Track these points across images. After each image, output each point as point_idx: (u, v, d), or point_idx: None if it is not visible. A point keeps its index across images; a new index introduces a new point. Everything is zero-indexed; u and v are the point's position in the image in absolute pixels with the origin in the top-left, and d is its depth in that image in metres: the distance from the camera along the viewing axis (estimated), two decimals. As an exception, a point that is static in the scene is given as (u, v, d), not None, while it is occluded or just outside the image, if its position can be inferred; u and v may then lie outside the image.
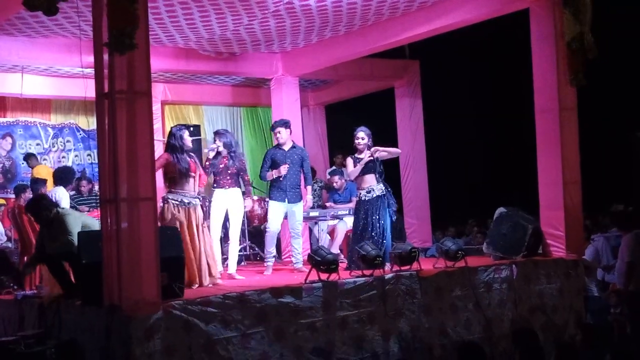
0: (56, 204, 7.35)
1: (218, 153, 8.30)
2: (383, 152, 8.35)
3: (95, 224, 6.88)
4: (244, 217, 10.54)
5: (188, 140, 7.71)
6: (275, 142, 8.98)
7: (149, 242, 5.71)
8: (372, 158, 8.26)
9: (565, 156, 8.16)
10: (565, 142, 8.18)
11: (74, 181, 10.02)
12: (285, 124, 8.86)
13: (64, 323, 6.39)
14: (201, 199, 7.78)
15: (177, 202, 7.41)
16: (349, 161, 8.42)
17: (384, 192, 8.31)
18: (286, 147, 8.81)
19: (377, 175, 8.35)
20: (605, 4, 8.43)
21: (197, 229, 7.46)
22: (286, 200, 8.71)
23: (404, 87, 11.74)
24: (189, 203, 7.47)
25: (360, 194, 8.40)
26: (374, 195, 8.27)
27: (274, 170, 8.69)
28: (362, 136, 8.39)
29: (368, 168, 8.33)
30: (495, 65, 14.38)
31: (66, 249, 6.66)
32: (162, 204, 7.41)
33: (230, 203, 8.37)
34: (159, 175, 7.65)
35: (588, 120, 8.76)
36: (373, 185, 8.31)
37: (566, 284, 8.13)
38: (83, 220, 6.98)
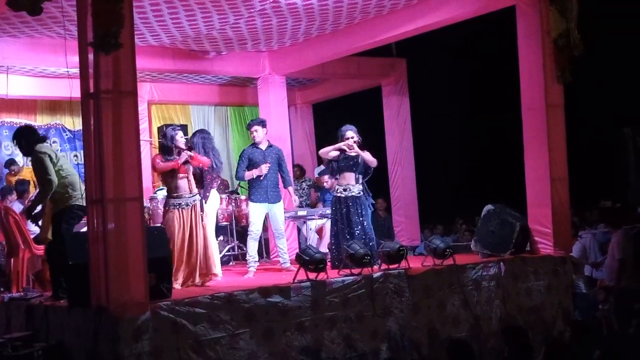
0: (43, 138, 7.47)
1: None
2: (364, 154, 8.31)
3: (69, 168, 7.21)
4: (232, 217, 10.60)
5: (180, 141, 7.68)
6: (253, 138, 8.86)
7: (136, 243, 5.68)
8: (350, 152, 8.22)
9: (552, 153, 8.18)
10: (552, 139, 8.20)
11: None
12: (262, 123, 8.81)
13: (51, 325, 6.35)
14: (198, 196, 7.75)
15: (176, 206, 7.44)
16: (341, 145, 8.38)
17: (361, 194, 8.29)
18: (263, 147, 8.74)
19: (357, 176, 8.33)
20: (592, 1, 8.45)
21: (196, 228, 7.48)
22: (267, 200, 8.65)
23: (391, 86, 11.75)
24: (186, 204, 7.48)
25: (336, 189, 8.38)
26: (350, 195, 8.25)
27: (255, 170, 8.60)
28: (351, 135, 8.37)
29: (348, 166, 8.31)
30: (482, 63, 14.39)
31: (47, 191, 6.93)
32: (160, 209, 7.50)
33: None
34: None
35: (575, 117, 8.79)
36: (351, 185, 8.29)
37: (554, 281, 8.15)
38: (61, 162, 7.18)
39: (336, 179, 8.56)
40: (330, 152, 8.33)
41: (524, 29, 8.29)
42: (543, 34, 8.02)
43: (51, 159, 7.14)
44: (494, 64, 13.53)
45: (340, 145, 8.28)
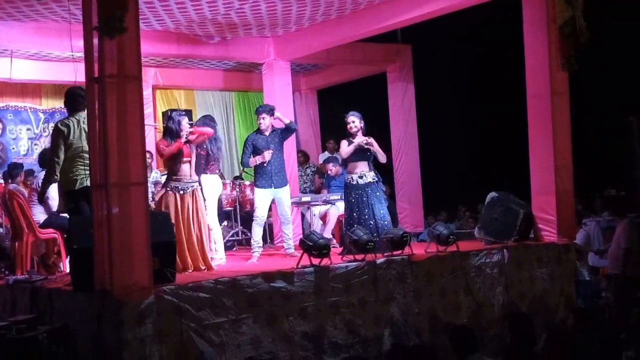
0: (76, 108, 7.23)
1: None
2: (376, 147, 8.33)
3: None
4: (236, 202, 10.63)
5: (186, 127, 7.68)
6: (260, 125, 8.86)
7: (140, 227, 5.69)
8: (365, 145, 8.24)
9: (556, 141, 8.18)
10: (557, 126, 8.20)
11: None
12: (271, 111, 8.81)
13: (55, 308, 6.37)
14: (197, 183, 7.76)
15: (175, 189, 7.44)
16: (344, 143, 8.38)
17: (376, 179, 8.31)
18: (267, 133, 8.77)
19: (369, 163, 8.35)
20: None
21: (194, 214, 7.49)
22: (272, 186, 8.68)
23: (396, 72, 11.72)
24: (186, 188, 7.49)
25: (351, 177, 8.36)
26: (367, 181, 8.26)
27: (258, 157, 8.62)
28: (352, 120, 8.38)
29: (363, 155, 8.32)
30: (488, 50, 14.34)
31: (50, 173, 7.00)
32: (161, 191, 7.48)
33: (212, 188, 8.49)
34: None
35: (580, 105, 8.76)
36: (365, 172, 8.30)
37: (557, 269, 8.16)
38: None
39: (342, 166, 8.56)
40: (352, 150, 8.32)
41: (530, 16, 8.27)
42: (549, 22, 8.00)
43: (66, 135, 7.03)
44: (499, 51, 13.49)
45: (359, 143, 8.25)
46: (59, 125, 7.07)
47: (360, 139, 8.27)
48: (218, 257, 8.18)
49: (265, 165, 8.63)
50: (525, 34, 8.34)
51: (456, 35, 13.97)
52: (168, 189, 7.52)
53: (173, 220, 7.23)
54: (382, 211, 8.22)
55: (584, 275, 8.85)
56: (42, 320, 6.26)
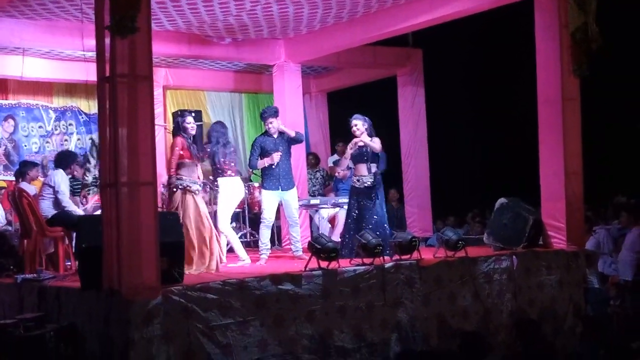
0: None
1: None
2: (367, 142, 8.26)
3: None
4: (245, 204, 10.62)
5: (189, 127, 7.70)
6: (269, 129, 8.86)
7: (149, 227, 5.69)
8: (353, 150, 8.25)
9: (567, 147, 8.15)
10: (568, 132, 8.17)
11: (74, 165, 9.98)
12: (276, 113, 8.81)
13: (63, 307, 6.38)
14: (203, 185, 7.79)
15: (184, 189, 7.45)
16: (348, 149, 8.38)
17: (374, 184, 8.28)
18: (275, 135, 8.76)
19: (368, 165, 8.32)
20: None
21: (202, 216, 7.50)
22: (280, 188, 8.68)
23: (406, 76, 11.70)
24: (196, 190, 7.51)
25: (352, 180, 8.42)
26: (364, 185, 8.26)
27: (266, 159, 8.62)
28: (355, 123, 8.35)
29: (360, 158, 8.31)
30: (499, 55, 14.31)
31: None
32: (167, 190, 7.51)
33: (232, 191, 8.52)
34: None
35: (591, 111, 8.73)
36: (363, 176, 8.29)
37: (566, 276, 8.12)
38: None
39: (349, 169, 8.57)
40: (345, 166, 8.36)
41: (542, 22, 8.24)
42: (561, 27, 7.97)
43: None
44: (510, 56, 13.46)
45: (350, 151, 8.26)
46: None
47: (348, 150, 8.27)
48: (241, 259, 8.30)
49: (273, 167, 8.63)
50: (537, 40, 8.31)
51: (467, 40, 13.95)
52: (178, 189, 7.53)
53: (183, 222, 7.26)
54: (375, 217, 8.19)
55: (594, 282, 8.80)
56: (50, 319, 6.28)
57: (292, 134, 8.79)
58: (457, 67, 14.74)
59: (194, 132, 7.78)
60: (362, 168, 8.33)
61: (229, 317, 6.12)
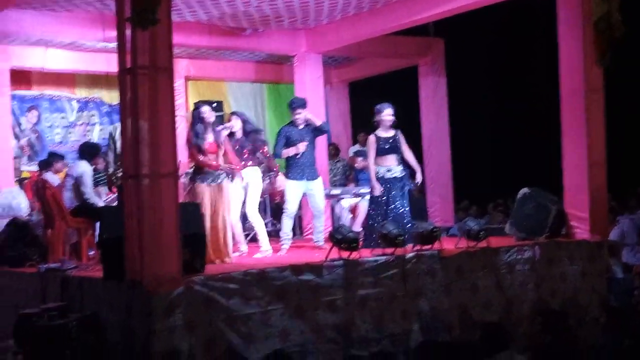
0: None
1: (232, 133, 8.35)
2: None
3: None
4: (266, 193, 10.64)
5: (209, 116, 7.70)
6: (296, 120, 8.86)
7: (170, 218, 5.71)
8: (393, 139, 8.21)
9: (590, 137, 8.08)
10: (591, 123, 8.09)
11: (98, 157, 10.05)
12: (305, 104, 8.81)
13: (85, 297, 6.43)
14: (227, 175, 7.78)
15: (203, 181, 7.47)
16: (371, 139, 8.34)
17: (404, 174, 8.27)
18: (301, 125, 8.77)
19: (398, 157, 8.30)
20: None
21: (221, 208, 7.51)
22: (305, 178, 8.68)
23: (428, 66, 11.65)
24: (212, 181, 7.51)
25: (379, 171, 8.34)
26: (394, 175, 8.23)
27: (292, 148, 8.62)
28: (390, 112, 8.31)
29: (391, 148, 8.28)
30: (521, 45, 14.20)
31: None
32: (189, 182, 7.53)
33: (248, 181, 8.46)
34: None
35: (616, 100, 8.64)
36: (393, 166, 8.26)
37: (589, 266, 8.06)
38: None
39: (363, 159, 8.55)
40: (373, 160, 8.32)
41: (565, 11, 8.16)
42: (584, 17, 7.89)
43: None
44: (533, 45, 13.35)
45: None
46: None
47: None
48: (264, 249, 8.31)
49: (297, 157, 8.63)
50: (560, 30, 8.23)
51: (489, 29, 13.84)
52: (197, 181, 7.56)
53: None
54: (405, 207, 8.17)
55: (617, 272, 8.74)
56: (73, 309, 6.32)
57: (318, 123, 8.79)
58: (479, 57, 14.64)
59: (211, 121, 7.76)
60: (393, 159, 8.30)
61: (251, 307, 6.14)
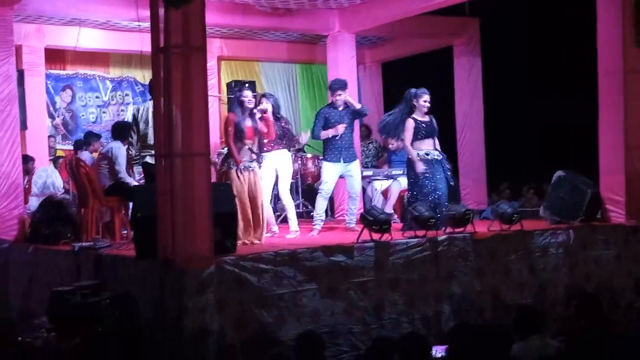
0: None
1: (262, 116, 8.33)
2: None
3: None
4: (297, 175, 10.63)
5: (247, 100, 7.67)
6: (331, 101, 8.82)
7: (202, 198, 5.73)
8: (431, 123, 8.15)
9: (628, 120, 7.97)
10: (629, 105, 7.98)
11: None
12: (346, 86, 8.75)
13: (118, 275, 6.49)
14: (258, 159, 7.77)
15: (236, 166, 7.48)
16: (410, 123, 8.21)
17: (441, 157, 8.19)
18: (340, 108, 8.71)
19: (435, 141, 8.22)
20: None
21: (252, 189, 7.53)
22: (342, 160, 8.63)
23: (462, 46, 11.53)
24: (245, 167, 7.50)
25: (418, 154, 8.23)
26: (432, 158, 8.13)
27: (330, 130, 8.58)
28: (428, 99, 8.20)
29: (429, 132, 8.19)
30: (558, 25, 13.97)
31: None
32: (221, 164, 7.55)
33: (278, 165, 8.43)
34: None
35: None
36: (430, 150, 8.17)
37: (624, 251, 7.97)
38: None
39: (401, 140, 8.45)
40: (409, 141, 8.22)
41: (604, -9, 8.02)
42: (623, -3, 7.75)
43: None
44: (570, 25, 13.13)
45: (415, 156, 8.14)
46: None
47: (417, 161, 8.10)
48: (292, 229, 8.32)
49: (336, 139, 8.59)
50: (599, 9, 8.10)
51: (525, 9, 13.64)
52: (231, 167, 7.54)
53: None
54: (442, 191, 8.09)
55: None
56: (106, 287, 6.37)
57: (358, 107, 8.74)
58: (515, 37, 14.43)
59: (251, 106, 7.72)
60: (430, 143, 8.21)
61: (282, 287, 6.15)
